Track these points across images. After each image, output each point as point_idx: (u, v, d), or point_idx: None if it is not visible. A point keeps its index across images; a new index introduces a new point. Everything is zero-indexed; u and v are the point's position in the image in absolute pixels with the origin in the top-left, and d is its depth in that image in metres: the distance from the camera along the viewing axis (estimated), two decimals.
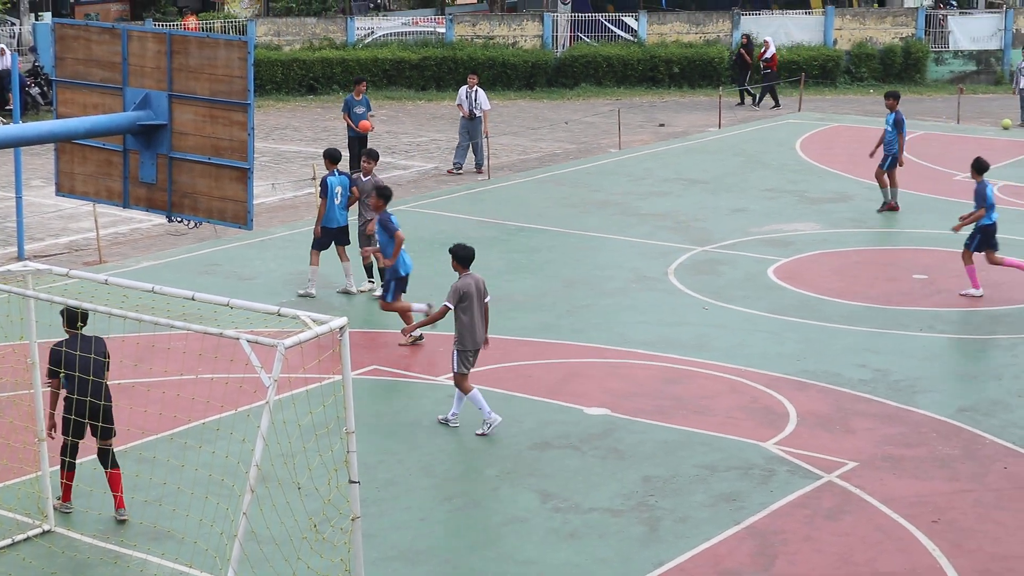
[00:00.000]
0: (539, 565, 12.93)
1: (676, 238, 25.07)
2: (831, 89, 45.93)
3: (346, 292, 21.52)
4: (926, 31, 48.24)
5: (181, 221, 12.79)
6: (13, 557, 12.94)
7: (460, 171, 31.15)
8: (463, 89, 31.20)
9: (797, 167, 32.03)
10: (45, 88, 39.24)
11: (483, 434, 15.87)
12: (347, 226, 21.54)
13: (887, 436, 15.91)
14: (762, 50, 42.81)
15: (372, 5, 58.00)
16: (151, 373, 14.84)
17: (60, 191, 13.30)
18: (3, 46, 41.20)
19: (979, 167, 21.82)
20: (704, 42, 47.21)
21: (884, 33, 48.12)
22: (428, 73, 43.68)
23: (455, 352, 15.96)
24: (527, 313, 20.63)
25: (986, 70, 48.53)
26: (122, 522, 13.61)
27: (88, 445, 13.67)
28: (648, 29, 47.14)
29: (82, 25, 12.90)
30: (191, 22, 45.22)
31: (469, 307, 15.89)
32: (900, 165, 26.99)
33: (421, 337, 19.10)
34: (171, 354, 16.94)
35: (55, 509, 13.67)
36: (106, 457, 13.64)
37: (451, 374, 16.33)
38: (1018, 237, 24.93)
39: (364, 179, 21.04)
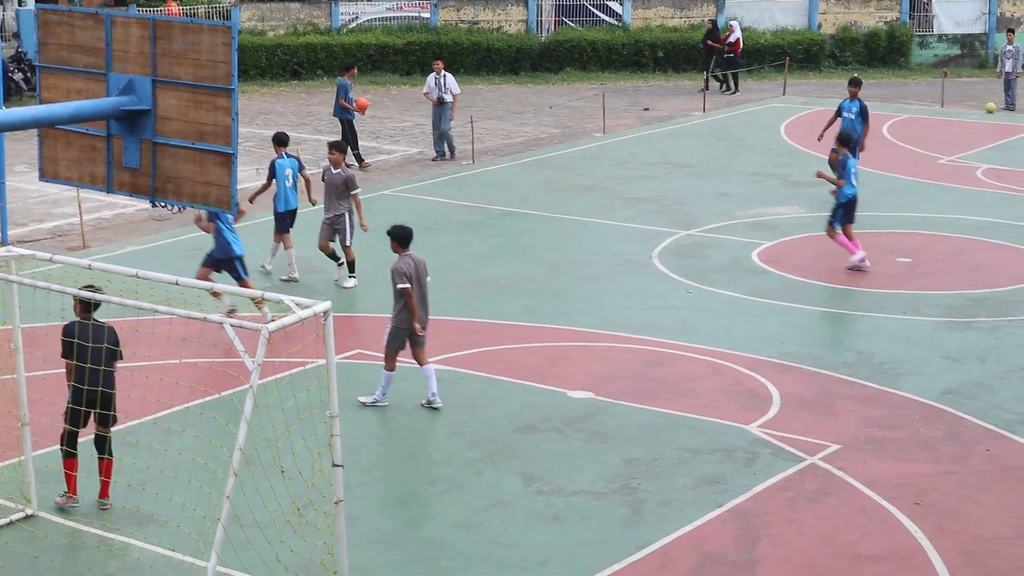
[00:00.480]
0: (522, 548, 12.97)
1: (660, 222, 25.11)
2: (816, 73, 45.94)
3: (291, 279, 21.48)
4: (910, 15, 48.26)
5: (165, 206, 12.80)
6: None
7: (440, 159, 30.92)
8: (431, 76, 30.87)
9: (781, 151, 32.07)
10: (28, 74, 39.15)
11: (363, 402, 16.11)
12: (295, 210, 21.66)
13: (870, 419, 15.98)
14: (726, 34, 42.51)
15: None
16: (135, 358, 14.80)
17: (44, 176, 13.25)
18: None
19: (844, 139, 22.31)
20: (689, 26, 47.19)
21: (868, 17, 48.15)
22: (413, 58, 43.61)
23: (390, 327, 16.01)
24: (511, 297, 20.66)
25: (970, 54, 48.57)
26: (104, 510, 13.62)
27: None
28: (633, 14, 47.11)
29: (65, 11, 12.85)
30: (173, 7, 45.07)
31: (414, 287, 15.94)
32: (862, 150, 26.00)
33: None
34: (155, 339, 16.91)
35: (59, 507, 13.60)
36: (103, 444, 13.64)
37: (438, 356, 16.36)
38: (1001, 220, 24.99)
39: (334, 171, 20.78)
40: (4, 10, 47.52)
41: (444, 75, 30.70)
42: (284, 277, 21.31)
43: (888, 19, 47.98)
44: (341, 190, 20.69)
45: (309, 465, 13.04)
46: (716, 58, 42.06)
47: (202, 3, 46.40)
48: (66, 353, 13.47)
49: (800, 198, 27.03)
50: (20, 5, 45.91)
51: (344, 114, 29.84)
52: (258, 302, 17.43)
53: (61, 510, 13.61)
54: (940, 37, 48.50)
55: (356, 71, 30.69)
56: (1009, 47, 37.72)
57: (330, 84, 42.78)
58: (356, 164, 29.84)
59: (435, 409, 16.17)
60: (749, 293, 20.74)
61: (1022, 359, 18.00)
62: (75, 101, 12.31)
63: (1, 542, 12.93)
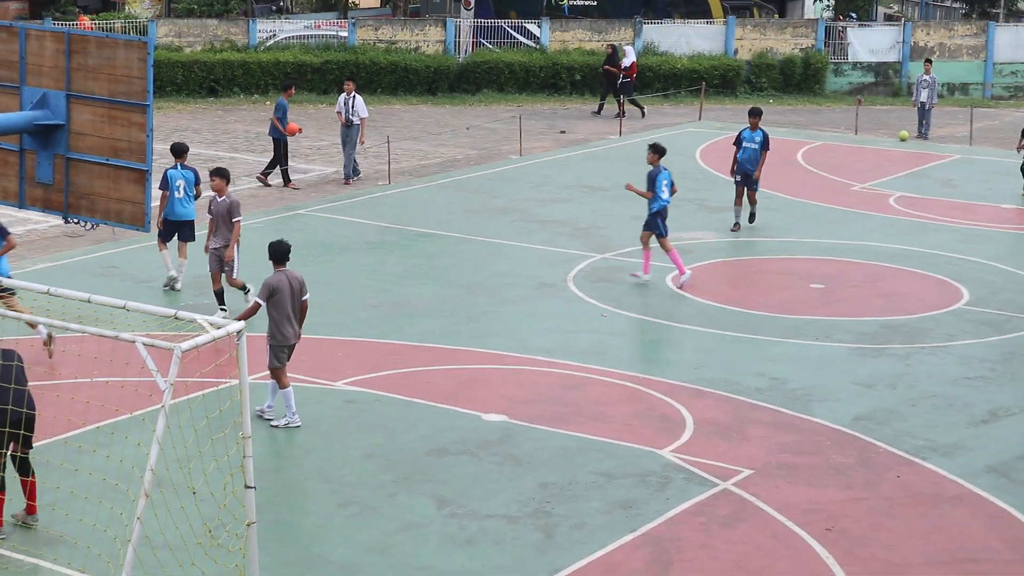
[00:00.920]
0: (435, 571, 12.91)
1: (576, 245, 25.16)
2: (731, 98, 46.34)
3: (171, 287, 21.56)
4: (825, 42, 48.85)
5: (78, 222, 12.70)
6: None
7: (354, 180, 30.67)
8: (341, 96, 30.59)
9: (697, 176, 32.25)
10: None
11: (275, 426, 16.00)
12: (191, 222, 21.67)
13: (783, 444, 16.05)
14: (621, 59, 42.24)
15: (274, 8, 57.70)
16: (46, 376, 14.65)
17: None
18: None
19: (657, 150, 22.48)
20: (607, 50, 47.43)
21: (784, 43, 48.66)
22: (330, 77, 43.51)
23: (269, 347, 16.01)
24: (427, 319, 20.61)
25: (884, 82, 49.23)
26: (32, 526, 13.37)
27: None
28: (551, 36, 47.29)
29: None
30: (85, 22, 44.70)
31: (280, 303, 15.87)
32: (755, 179, 25.93)
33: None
34: (66, 357, 16.81)
35: None
36: (26, 465, 13.39)
37: (352, 378, 16.30)
38: (914, 247, 25.27)
39: (219, 199, 19.96)
40: None
41: (353, 96, 30.38)
42: (165, 285, 21.54)
43: (803, 46, 48.54)
44: (226, 218, 19.91)
45: (221, 486, 12.91)
46: (614, 83, 42.01)
47: (119, 18, 46.05)
48: None
49: (716, 223, 27.17)
50: None
51: (277, 133, 29.70)
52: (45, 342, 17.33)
53: None
54: (855, 65, 49.13)
55: (294, 91, 30.48)
56: (926, 76, 38.22)
57: (247, 102, 42.65)
58: (283, 183, 29.80)
59: (267, 420, 16.21)
60: (664, 318, 20.82)
61: (933, 386, 18.19)
62: None
63: None
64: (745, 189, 26.01)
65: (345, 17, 51.51)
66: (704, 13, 50.63)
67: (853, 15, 57.16)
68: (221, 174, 19.93)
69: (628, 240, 25.44)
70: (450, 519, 13.93)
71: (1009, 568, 13.31)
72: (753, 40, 48.54)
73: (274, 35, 46.02)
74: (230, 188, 20.30)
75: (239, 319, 15.82)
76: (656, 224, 22.25)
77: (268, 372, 16.28)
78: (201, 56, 43.80)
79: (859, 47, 49.23)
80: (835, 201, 29.51)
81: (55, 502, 13.39)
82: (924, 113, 38.26)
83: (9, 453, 13.27)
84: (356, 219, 27.00)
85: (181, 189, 21.40)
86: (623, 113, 41.23)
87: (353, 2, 60.62)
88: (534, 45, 47.25)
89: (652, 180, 22.25)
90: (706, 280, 22.95)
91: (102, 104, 12.03)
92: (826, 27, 49.28)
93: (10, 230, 18.31)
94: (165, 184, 21.32)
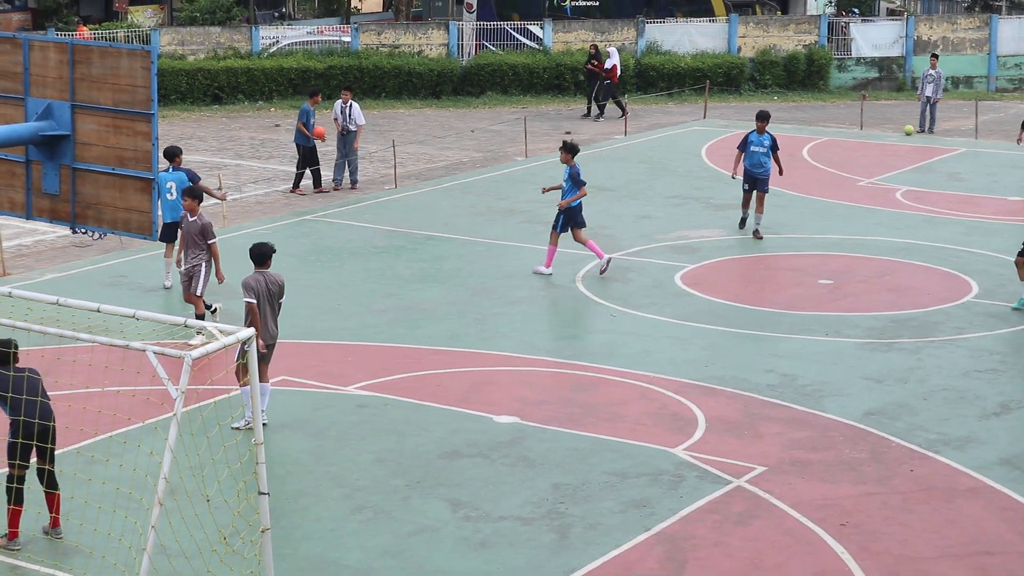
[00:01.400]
0: (450, 574, 12.92)
1: (583, 245, 25.12)
2: (735, 96, 46.35)
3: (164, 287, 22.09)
4: (829, 38, 48.84)
5: (85, 232, 12.70)
6: None
7: (339, 187, 30.58)
8: (338, 104, 30.41)
9: (703, 174, 32.27)
10: None
11: (236, 428, 15.87)
12: (176, 223, 21.69)
13: (795, 440, 16.06)
14: (604, 60, 41.97)
15: (277, 14, 57.78)
16: (57, 386, 14.63)
17: None
18: None
19: (570, 149, 22.72)
20: None
21: (787, 40, 48.65)
22: (334, 82, 43.53)
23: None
24: (435, 322, 20.62)
25: (888, 77, 49.21)
26: (59, 540, 13.39)
27: None
28: (553, 37, 47.31)
29: None
30: (85, 32, 44.75)
31: (258, 303, 15.84)
32: (780, 174, 25.84)
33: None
34: (77, 367, 16.72)
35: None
36: (53, 479, 13.40)
37: (362, 383, 16.30)
38: (921, 241, 25.28)
39: (190, 219, 19.43)
40: None
41: (351, 104, 30.31)
42: (167, 284, 21.86)
43: (807, 43, 48.52)
44: (197, 239, 19.35)
45: (235, 493, 12.99)
46: (598, 84, 41.96)
47: (121, 27, 46.11)
48: None
49: (722, 221, 27.19)
50: None
51: (302, 139, 29.73)
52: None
53: None
54: (858, 60, 49.11)
55: (320, 98, 30.43)
56: (931, 71, 38.19)
57: (251, 109, 42.71)
58: (314, 186, 30.10)
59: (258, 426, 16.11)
60: (673, 316, 20.82)
61: (943, 380, 18.19)
62: None
63: None
64: (754, 194, 25.51)
65: (348, 22, 51.58)
66: (706, 11, 50.64)
67: (856, 10, 57.14)
68: (192, 194, 19.44)
69: (635, 239, 25.50)
70: (464, 522, 13.94)
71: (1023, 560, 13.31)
72: (756, 37, 48.52)
73: (277, 41, 46.07)
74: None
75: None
76: (558, 219, 22.77)
77: (283, 379, 16.25)
78: (205, 64, 43.86)
79: (862, 42, 49.23)
80: (842, 196, 29.50)
81: (69, 512, 13.45)
82: (930, 107, 38.22)
83: (37, 467, 13.30)
84: (363, 224, 27.02)
85: (173, 191, 21.55)
86: (601, 113, 41.31)
87: (355, 7, 60.71)
88: (537, 47, 47.26)
89: (577, 177, 22.54)
90: (714, 278, 22.97)
91: (107, 114, 12.02)
92: (829, 23, 49.27)
93: None
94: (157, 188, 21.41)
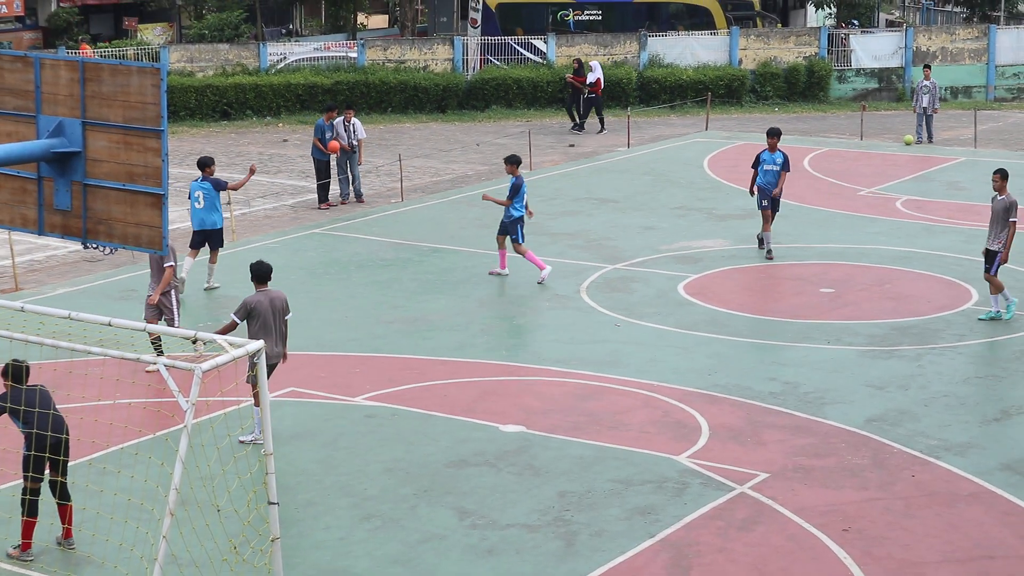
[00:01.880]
0: None
1: (587, 256, 25.34)
2: (737, 108, 46.54)
3: (209, 288, 22.84)
4: (829, 50, 49.03)
5: (97, 247, 12.80)
6: None
7: (346, 201, 30.71)
8: (339, 121, 30.38)
9: (705, 185, 32.44)
10: None
11: (243, 441, 15.95)
12: (217, 230, 22.74)
13: (797, 447, 16.20)
14: (587, 74, 41.93)
15: (284, 31, 58.02)
16: (69, 399, 14.81)
17: None
18: None
19: (512, 160, 23.46)
20: (612, 63, 47.66)
21: (788, 52, 48.85)
22: (341, 97, 43.75)
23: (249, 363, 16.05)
24: (442, 333, 20.79)
25: (888, 87, 49.41)
26: (72, 551, 13.55)
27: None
28: (557, 51, 47.50)
29: None
30: (87, 50, 45.00)
31: (260, 321, 15.95)
32: (775, 195, 25.21)
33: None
34: (89, 380, 16.91)
35: (11, 557, 13.37)
36: (65, 491, 13.56)
37: (370, 393, 16.43)
38: (921, 249, 25.41)
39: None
40: None
41: (353, 121, 30.40)
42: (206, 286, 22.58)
43: (807, 54, 48.71)
44: (159, 264, 19.00)
45: (245, 503, 13.14)
46: (580, 97, 42.02)
47: (131, 45, 46.34)
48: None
49: (724, 231, 27.36)
50: None
51: (319, 154, 29.95)
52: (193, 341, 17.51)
53: (8, 557, 13.45)
54: (858, 71, 49.32)
55: (336, 113, 30.52)
56: (925, 82, 38.35)
57: (259, 124, 42.95)
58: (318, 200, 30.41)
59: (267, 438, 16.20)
60: (676, 325, 20.98)
61: (944, 386, 18.34)
62: (5, 144, 12.28)
63: None
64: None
65: (354, 38, 51.88)
66: (708, 24, 50.82)
67: (855, 22, 57.31)
68: None
69: (639, 250, 25.65)
70: (471, 530, 14.09)
71: None
72: (757, 50, 48.72)
73: (284, 58, 46.32)
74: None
75: (217, 333, 15.87)
76: (516, 230, 23.29)
77: (291, 390, 16.37)
78: (213, 80, 44.12)
79: (862, 54, 49.45)
80: (842, 206, 29.65)
81: (82, 523, 13.60)
82: (926, 119, 38.37)
83: (49, 479, 13.44)
84: (370, 236, 27.20)
85: (200, 200, 22.29)
86: (582, 126, 41.42)
87: (361, 23, 60.93)
88: (541, 61, 47.45)
89: (517, 189, 23.12)
90: (717, 287, 23.12)
91: (117, 130, 12.11)
92: (829, 35, 49.48)
93: None
94: (190, 196, 22.62)
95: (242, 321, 15.96)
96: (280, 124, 42.88)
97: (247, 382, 15.81)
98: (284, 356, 16.35)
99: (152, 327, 13.35)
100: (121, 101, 12.07)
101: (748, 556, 13.47)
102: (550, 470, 15.56)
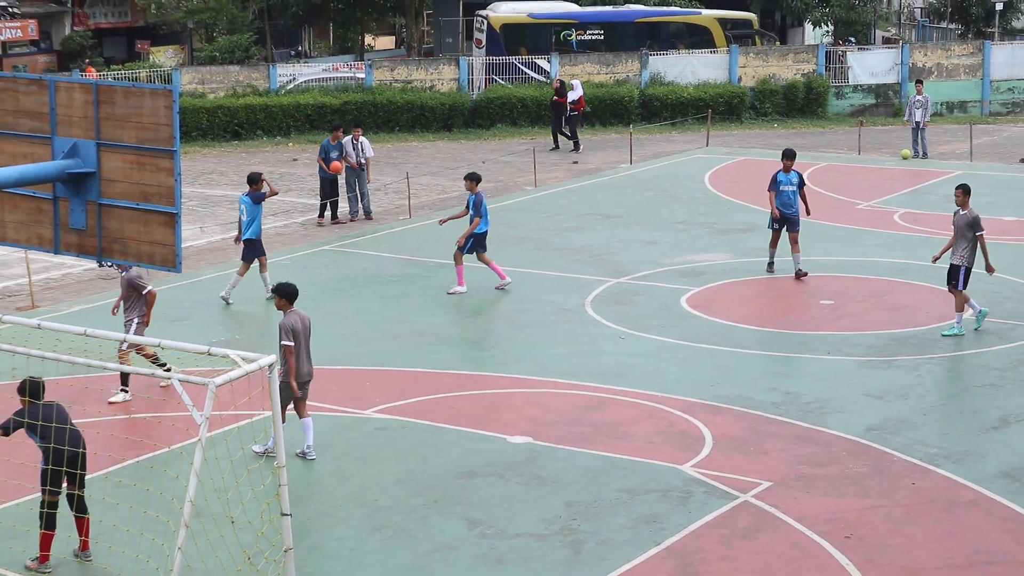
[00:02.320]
0: None
1: (592, 271, 25.55)
2: (737, 124, 46.88)
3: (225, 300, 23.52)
4: (826, 67, 49.39)
5: (111, 266, 12.99)
6: None
7: (355, 218, 31.10)
8: (347, 140, 30.74)
9: (706, 200, 32.65)
10: None
11: (257, 452, 16.00)
12: (252, 240, 23.42)
13: (799, 456, 16.37)
14: (569, 92, 42.09)
15: (293, 53, 58.31)
16: (85, 414, 15.01)
17: None
18: None
19: (472, 177, 23.91)
20: (615, 82, 48.00)
21: (786, 70, 49.18)
22: (349, 117, 44.08)
23: (279, 382, 16.12)
24: (450, 346, 21.02)
25: (884, 103, 49.77)
26: (88, 561, 13.73)
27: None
28: (560, 70, 47.78)
29: (10, 77, 12.93)
30: (92, 73, 45.33)
31: (296, 342, 16.08)
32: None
33: None
34: (104, 395, 17.17)
35: (29, 569, 13.54)
36: (83, 504, 13.76)
37: (381, 406, 16.57)
38: (918, 261, 25.55)
39: (121, 273, 18.68)
40: None
41: (361, 140, 30.80)
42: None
43: (805, 71, 49.05)
44: (128, 290, 18.53)
45: (258, 515, 13.25)
46: (564, 117, 42.19)
47: (144, 67, 46.67)
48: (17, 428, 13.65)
49: (726, 245, 27.57)
50: None
51: (323, 173, 30.33)
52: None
53: (26, 569, 13.63)
54: (855, 88, 49.68)
55: (341, 133, 30.78)
56: (918, 97, 38.60)
57: (270, 144, 43.33)
58: (329, 216, 30.83)
59: (310, 460, 16.36)
60: (679, 338, 21.17)
61: (943, 395, 18.56)
62: (21, 165, 12.42)
63: None
64: (783, 233, 24.77)
65: (362, 59, 52.24)
66: (708, 43, 51.12)
67: (852, 39, 57.59)
68: None
69: (642, 264, 25.85)
70: (480, 539, 14.25)
71: None
72: (756, 67, 49.06)
73: (294, 79, 46.68)
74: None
75: (290, 369, 16.05)
76: (469, 242, 23.83)
77: (297, 406, 16.50)
78: (224, 101, 44.53)
79: (859, 70, 49.81)
80: (841, 219, 29.83)
81: (98, 535, 13.76)
82: (920, 133, 38.59)
83: (67, 492, 13.62)
84: (379, 253, 27.43)
85: (244, 212, 23.33)
86: (577, 145, 41.59)
87: (369, 45, 61.25)
88: (544, 79, 47.73)
89: (478, 205, 23.62)
90: (719, 300, 23.32)
91: (131, 151, 12.23)
92: (826, 52, 49.84)
93: None
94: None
95: (293, 343, 16.00)
96: (290, 144, 43.19)
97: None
98: (311, 375, 16.50)
99: (166, 342, 13.57)
100: (134, 122, 12.21)
101: (752, 564, 13.60)
102: (557, 480, 15.74)
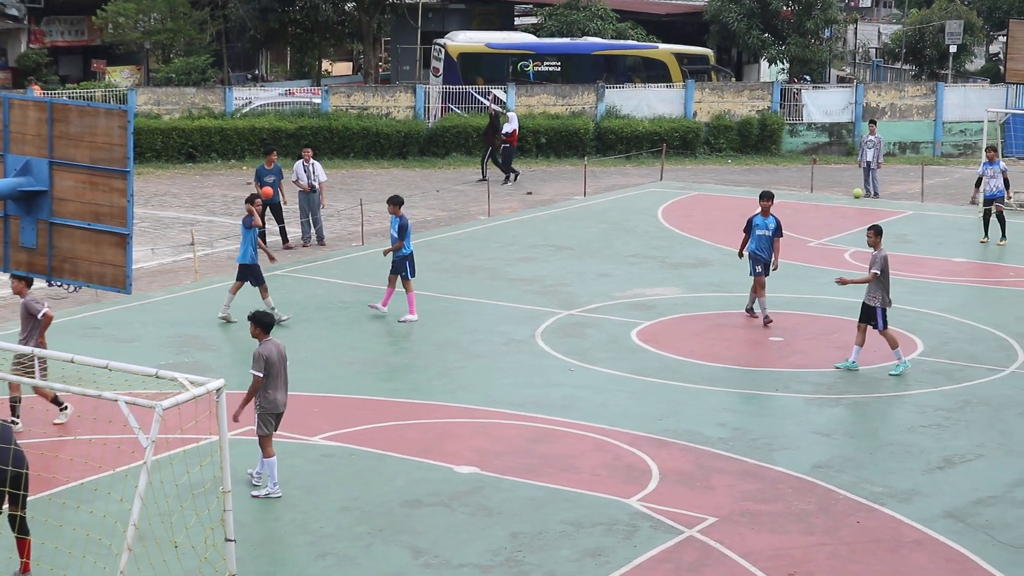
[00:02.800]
0: None
1: (543, 302, 25.60)
2: (691, 159, 47.20)
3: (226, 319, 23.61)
4: (781, 104, 49.85)
5: (61, 285, 12.94)
6: None
7: (308, 244, 31.10)
8: (299, 164, 30.88)
9: (659, 234, 32.80)
10: None
11: (256, 496, 16.00)
12: (246, 266, 23.67)
13: (745, 492, 16.44)
14: (503, 124, 42.04)
15: (250, 76, 58.27)
16: (30, 434, 14.94)
17: None
18: None
19: (395, 201, 24.18)
20: (570, 114, 48.22)
21: (741, 106, 49.56)
22: (304, 142, 43.99)
23: (256, 415, 16.12)
24: (399, 375, 21.02)
25: (838, 141, 50.26)
26: None
27: None
28: (516, 101, 47.96)
29: None
30: (37, 90, 45.15)
31: (273, 371, 16.01)
32: (774, 268, 24.40)
33: None
34: (50, 415, 17.05)
35: None
36: (24, 525, 13.64)
37: (328, 433, 16.56)
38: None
39: (23, 300, 17.94)
40: None
41: (312, 163, 30.89)
42: (283, 318, 23.38)
43: (760, 108, 49.46)
44: (28, 320, 17.81)
45: (202, 540, 13.22)
46: (493, 149, 42.27)
47: (99, 87, 46.50)
48: None
49: (677, 279, 27.69)
50: None
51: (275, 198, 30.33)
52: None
53: None
54: (809, 126, 50.16)
55: (276, 155, 30.82)
56: (871, 137, 38.91)
57: (224, 167, 43.27)
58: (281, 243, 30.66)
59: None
60: (629, 371, 21.24)
61: (889, 434, 18.68)
62: None
63: None
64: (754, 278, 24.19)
65: (318, 84, 52.25)
66: (664, 77, 51.42)
67: (807, 78, 58.08)
68: (18, 277, 17.10)
69: (593, 296, 25.93)
70: (425, 569, 14.25)
71: None
72: (711, 103, 49.41)
73: (250, 102, 46.63)
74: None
75: (247, 398, 15.99)
76: (406, 267, 24.02)
77: (250, 428, 16.45)
78: (179, 123, 44.43)
79: (813, 108, 50.32)
80: (792, 257, 29.86)
81: (40, 557, 13.67)
82: (872, 173, 38.92)
83: (8, 513, 13.52)
84: (331, 279, 27.41)
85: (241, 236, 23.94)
86: (515, 177, 41.57)
87: (326, 70, 61.27)
88: (500, 110, 47.87)
89: (404, 229, 23.83)
90: (669, 334, 23.41)
91: (84, 171, 12.25)
92: (781, 89, 50.33)
93: None
94: None
95: (262, 374, 15.95)
96: (244, 167, 43.09)
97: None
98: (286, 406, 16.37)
99: (114, 363, 13.50)
100: (88, 142, 12.24)
101: None
102: (503, 511, 15.76)
